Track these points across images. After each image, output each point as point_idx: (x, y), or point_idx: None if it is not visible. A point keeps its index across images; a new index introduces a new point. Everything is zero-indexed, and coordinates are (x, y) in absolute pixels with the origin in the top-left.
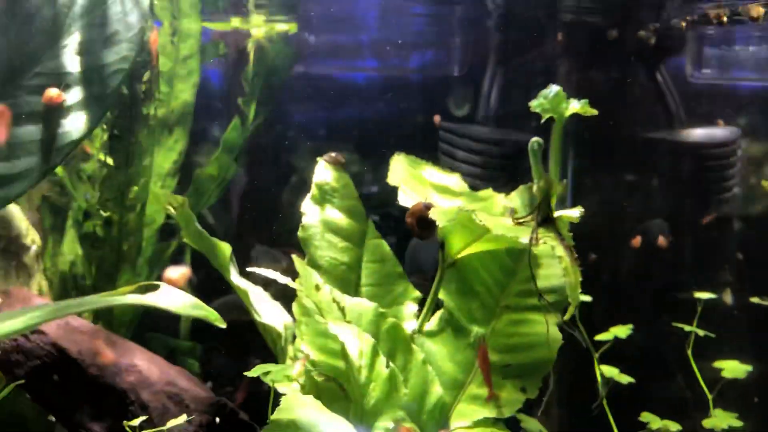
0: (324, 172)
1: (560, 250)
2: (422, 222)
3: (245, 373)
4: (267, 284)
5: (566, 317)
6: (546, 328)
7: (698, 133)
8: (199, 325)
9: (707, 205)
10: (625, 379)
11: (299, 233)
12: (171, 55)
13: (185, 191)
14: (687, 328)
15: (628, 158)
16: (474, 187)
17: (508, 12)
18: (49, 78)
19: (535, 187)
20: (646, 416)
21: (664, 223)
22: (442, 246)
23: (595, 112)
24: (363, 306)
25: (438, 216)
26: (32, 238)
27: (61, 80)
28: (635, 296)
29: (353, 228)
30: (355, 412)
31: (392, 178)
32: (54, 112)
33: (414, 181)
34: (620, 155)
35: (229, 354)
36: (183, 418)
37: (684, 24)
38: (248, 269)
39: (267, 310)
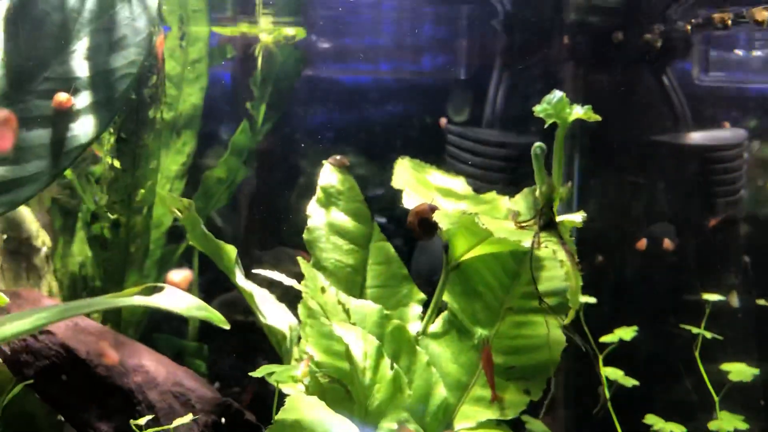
0: (329, 175)
1: (562, 255)
2: (423, 223)
3: (250, 374)
4: (271, 285)
5: (567, 321)
6: (550, 330)
7: (704, 136)
8: (206, 327)
9: (714, 207)
10: (630, 381)
11: (305, 235)
12: (179, 59)
13: (194, 194)
14: (695, 330)
15: (635, 161)
16: (480, 190)
17: (515, 15)
18: (58, 82)
19: (537, 192)
20: (650, 418)
21: (670, 225)
22: (446, 248)
23: (598, 117)
24: (368, 308)
25: (442, 219)
26: (42, 239)
27: (70, 85)
28: (641, 299)
29: (358, 230)
30: (359, 413)
31: (397, 182)
32: (63, 116)
33: (418, 184)
34: (626, 158)
35: (237, 355)
36: (189, 418)
37: (689, 27)
38: (254, 271)
39: (272, 312)
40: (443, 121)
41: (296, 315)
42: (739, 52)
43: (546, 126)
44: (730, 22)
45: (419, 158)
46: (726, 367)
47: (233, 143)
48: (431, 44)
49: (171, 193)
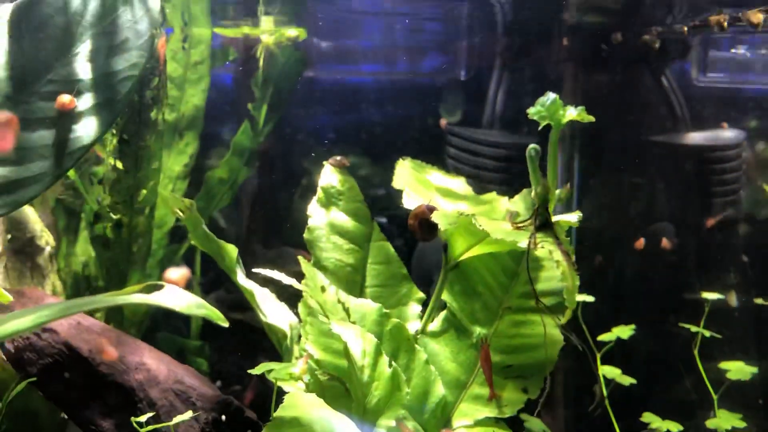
0: (330, 176)
1: (558, 255)
2: (424, 224)
3: (249, 371)
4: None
5: (563, 320)
6: (548, 329)
7: (703, 136)
8: (208, 325)
9: (712, 207)
10: (627, 380)
11: (305, 235)
12: (182, 61)
13: (196, 194)
14: (693, 328)
15: (634, 161)
16: (480, 191)
17: (515, 16)
18: (61, 84)
19: (533, 193)
20: (647, 416)
21: (669, 225)
22: (445, 248)
23: (592, 118)
24: (367, 306)
25: (440, 219)
26: (46, 239)
27: (73, 87)
28: (641, 298)
29: (358, 230)
30: (357, 411)
31: (397, 182)
32: (66, 118)
33: (419, 184)
34: (626, 158)
35: (238, 353)
36: (189, 415)
37: (686, 29)
38: (254, 270)
39: (273, 311)
40: (443, 122)
41: (297, 313)
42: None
43: (541, 127)
44: (726, 24)
45: (420, 159)
46: (725, 365)
47: (235, 144)
48: (431, 45)
49: (173, 193)
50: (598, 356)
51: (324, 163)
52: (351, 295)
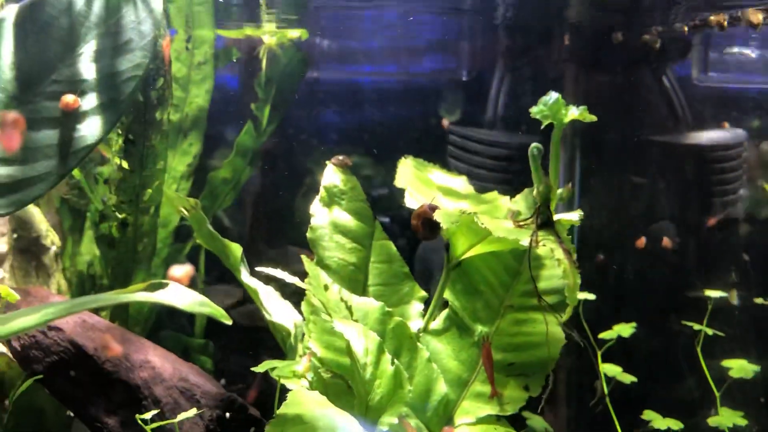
0: (332, 175)
1: (559, 253)
2: (427, 224)
3: (252, 369)
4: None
5: (564, 318)
6: (550, 328)
7: (704, 136)
8: (212, 324)
9: (713, 207)
10: (628, 378)
11: (308, 234)
12: (186, 62)
13: (200, 194)
14: (696, 326)
15: (635, 161)
16: (482, 190)
17: (516, 17)
18: (65, 85)
19: (534, 192)
20: (648, 414)
21: (670, 224)
22: (447, 247)
23: (594, 118)
24: (370, 305)
25: (442, 218)
26: (51, 239)
27: (77, 87)
28: (642, 296)
29: (361, 229)
30: (360, 408)
31: (399, 181)
32: (70, 118)
33: (421, 183)
34: (627, 158)
35: (242, 352)
36: (193, 412)
37: (686, 29)
38: (257, 269)
39: (277, 309)
40: (445, 121)
41: (301, 312)
42: (751, 54)
43: (543, 126)
44: (726, 23)
45: (422, 158)
46: (727, 363)
47: (238, 144)
48: (433, 46)
49: (178, 193)
50: (599, 354)
51: (326, 162)
52: (354, 293)
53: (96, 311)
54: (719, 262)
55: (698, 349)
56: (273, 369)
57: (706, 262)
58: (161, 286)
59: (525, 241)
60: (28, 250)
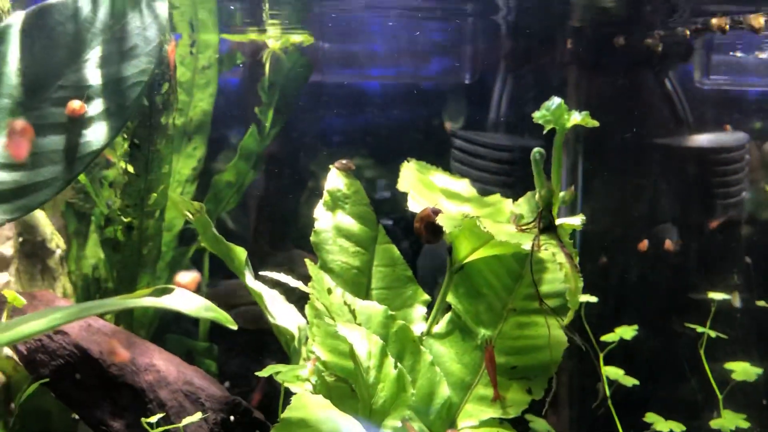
0: (335, 179)
1: (561, 257)
2: (430, 227)
3: (256, 373)
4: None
5: (566, 322)
6: (552, 331)
7: (706, 138)
8: (216, 328)
9: (715, 209)
10: (630, 381)
11: (312, 238)
12: (190, 66)
13: (205, 197)
14: (700, 329)
15: (637, 164)
16: (485, 193)
17: (518, 20)
18: (71, 90)
19: (537, 196)
20: (650, 417)
21: (672, 227)
22: (450, 250)
23: (596, 123)
24: (373, 308)
25: (445, 221)
26: (57, 242)
27: (83, 92)
28: (645, 299)
29: (364, 233)
30: (363, 412)
31: (402, 184)
32: (76, 123)
33: (423, 186)
34: (629, 161)
35: (246, 355)
36: (198, 416)
37: (688, 32)
38: (261, 273)
39: (281, 313)
40: (448, 125)
41: (305, 315)
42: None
43: (545, 131)
44: (728, 27)
45: (425, 162)
46: (730, 366)
47: (242, 147)
48: (436, 50)
49: (183, 196)
50: (601, 356)
51: (330, 166)
52: (357, 297)
53: (101, 315)
54: (721, 265)
55: (701, 352)
56: (277, 373)
57: (708, 265)
58: (167, 291)
59: (527, 245)
60: (33, 253)
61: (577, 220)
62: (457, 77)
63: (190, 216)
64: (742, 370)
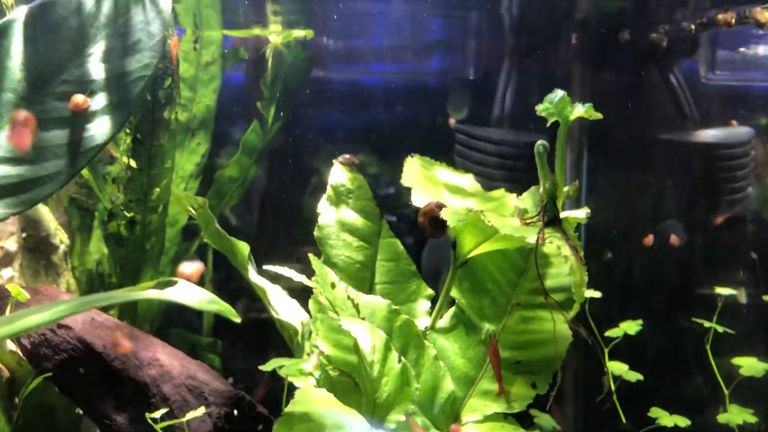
0: (339, 174)
1: (566, 250)
2: (434, 222)
3: (260, 367)
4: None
5: (571, 315)
6: (557, 325)
7: (712, 134)
8: (220, 323)
9: (721, 204)
10: (634, 376)
11: (315, 233)
12: (193, 62)
13: (208, 193)
14: (707, 323)
15: (642, 159)
16: (489, 189)
17: (523, 15)
18: (75, 85)
19: (541, 189)
20: (655, 411)
21: (677, 222)
22: (454, 245)
23: (599, 115)
24: (377, 303)
25: (448, 216)
26: (60, 238)
27: (87, 87)
28: (649, 294)
29: (368, 228)
30: (367, 406)
31: (406, 179)
32: (80, 118)
33: (427, 181)
34: (634, 156)
35: (250, 350)
36: (202, 410)
37: (693, 27)
38: (265, 267)
39: (284, 308)
40: (452, 121)
41: (308, 310)
42: None
43: (549, 124)
44: (733, 21)
45: (429, 157)
46: (737, 361)
47: (244, 142)
48: (440, 45)
49: (186, 192)
50: (606, 351)
51: (333, 161)
52: (360, 291)
53: (105, 309)
54: (727, 260)
55: (708, 347)
56: (281, 367)
57: (713, 260)
58: (171, 283)
59: (532, 239)
60: (37, 249)
61: (581, 213)
62: (461, 73)
63: (193, 211)
64: (749, 365)
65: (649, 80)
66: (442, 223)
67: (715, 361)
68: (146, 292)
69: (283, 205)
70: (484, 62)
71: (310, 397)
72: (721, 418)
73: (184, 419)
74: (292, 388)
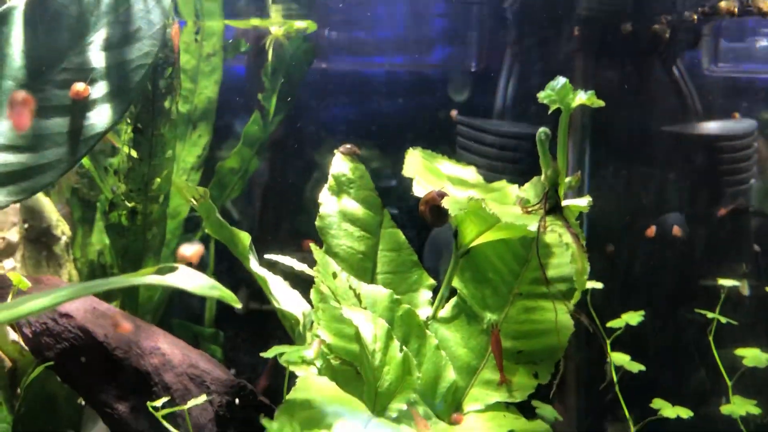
0: (340, 164)
1: (567, 238)
2: (434, 210)
3: (261, 354)
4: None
5: (572, 302)
6: (559, 315)
7: (714, 126)
8: (222, 313)
9: (723, 197)
10: (636, 366)
11: (317, 222)
12: (195, 53)
13: (210, 184)
14: (710, 314)
15: (645, 151)
16: (491, 180)
17: (525, 6)
18: (75, 73)
19: (543, 176)
20: (657, 402)
21: (680, 214)
22: (455, 235)
23: (602, 103)
24: (378, 293)
25: (450, 205)
26: (62, 229)
27: (87, 75)
28: (651, 286)
29: (369, 218)
30: (369, 395)
31: (407, 171)
32: (80, 106)
33: (429, 173)
34: (637, 148)
35: (252, 341)
36: (203, 398)
37: (695, 17)
38: (267, 257)
39: (286, 298)
40: (454, 113)
41: (310, 301)
42: None
43: (550, 112)
44: (736, 10)
45: (431, 149)
46: (740, 352)
47: (245, 134)
48: (442, 36)
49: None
50: (608, 341)
51: (335, 151)
52: (362, 281)
53: (107, 300)
54: (729, 252)
55: (711, 338)
56: (281, 354)
57: (716, 252)
58: (171, 269)
59: (533, 227)
60: (38, 240)
61: (583, 202)
62: (463, 64)
63: (194, 201)
64: (752, 356)
65: (652, 72)
66: (443, 212)
67: (717, 352)
68: (147, 278)
69: (285, 196)
70: (486, 53)
71: (311, 385)
72: (724, 409)
73: (185, 407)
74: (293, 377)
